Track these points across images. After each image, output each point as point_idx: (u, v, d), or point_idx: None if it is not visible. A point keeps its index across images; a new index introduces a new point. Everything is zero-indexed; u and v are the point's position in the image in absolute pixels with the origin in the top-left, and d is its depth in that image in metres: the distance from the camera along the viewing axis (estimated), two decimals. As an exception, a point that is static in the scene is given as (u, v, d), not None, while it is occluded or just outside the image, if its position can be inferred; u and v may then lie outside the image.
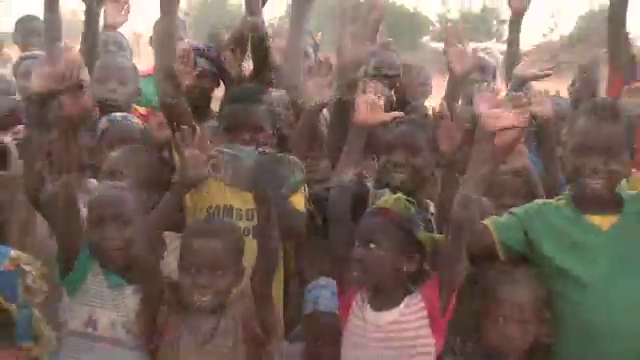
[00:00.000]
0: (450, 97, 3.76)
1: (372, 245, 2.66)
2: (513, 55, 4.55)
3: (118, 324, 2.80)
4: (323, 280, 2.96)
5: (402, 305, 2.70)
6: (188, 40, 4.26)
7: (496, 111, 2.70)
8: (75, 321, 2.81)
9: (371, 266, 2.66)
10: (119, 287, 2.83)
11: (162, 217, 2.75)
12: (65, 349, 2.83)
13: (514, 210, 2.95)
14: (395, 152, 3.15)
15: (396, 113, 3.25)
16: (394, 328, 2.68)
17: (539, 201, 3.03)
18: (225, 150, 3.16)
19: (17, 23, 6.03)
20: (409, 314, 2.69)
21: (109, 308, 2.81)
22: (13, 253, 2.63)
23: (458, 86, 3.75)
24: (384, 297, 2.71)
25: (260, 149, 2.89)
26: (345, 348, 2.76)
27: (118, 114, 3.80)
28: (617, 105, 3.00)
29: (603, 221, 2.86)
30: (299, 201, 3.13)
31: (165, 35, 3.09)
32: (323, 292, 2.90)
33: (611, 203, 2.87)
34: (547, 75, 4.05)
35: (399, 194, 2.88)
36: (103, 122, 3.70)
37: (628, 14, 4.02)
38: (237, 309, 2.77)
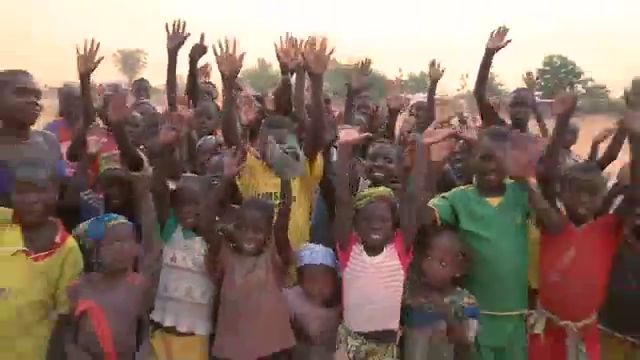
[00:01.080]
0: (390, 121, 3.86)
1: (385, 221, 2.63)
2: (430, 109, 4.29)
3: (187, 259, 2.75)
4: (307, 244, 2.89)
5: (385, 252, 2.63)
6: (249, 91, 4.24)
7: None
8: (166, 257, 2.76)
9: (385, 233, 2.63)
10: (190, 237, 2.77)
11: (215, 197, 2.67)
12: (162, 275, 2.76)
13: (445, 195, 2.91)
14: (377, 159, 3.15)
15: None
16: (382, 265, 2.62)
17: (458, 188, 2.98)
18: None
19: (133, 84, 5.95)
20: (389, 256, 2.63)
21: (182, 249, 2.76)
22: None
23: (395, 115, 3.80)
24: (374, 248, 2.65)
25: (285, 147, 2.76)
26: (349, 281, 2.67)
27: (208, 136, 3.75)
28: (505, 130, 2.95)
29: (494, 200, 2.83)
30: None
31: (228, 108, 3.01)
32: (306, 252, 2.81)
33: (499, 189, 2.84)
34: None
35: (383, 187, 2.85)
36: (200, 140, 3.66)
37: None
38: (268, 252, 2.71)
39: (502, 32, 3.35)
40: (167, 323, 2.70)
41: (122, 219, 2.58)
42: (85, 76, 3.10)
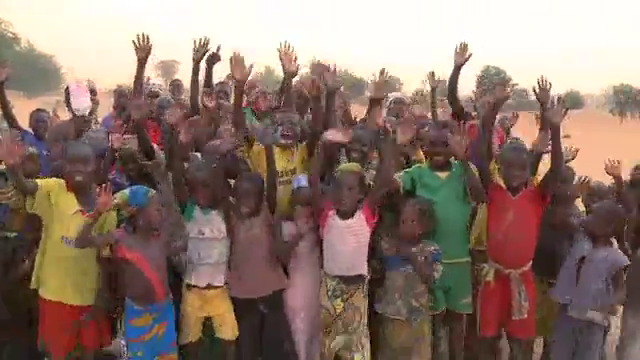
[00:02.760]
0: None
1: (352, 188, 2.50)
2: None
3: (213, 229, 2.58)
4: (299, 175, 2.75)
5: (355, 215, 2.52)
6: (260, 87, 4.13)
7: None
8: (193, 233, 2.57)
9: (353, 198, 2.50)
10: (207, 212, 2.59)
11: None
12: (192, 247, 2.57)
13: (407, 170, 2.82)
14: (354, 143, 2.86)
15: None
16: (352, 227, 2.51)
17: (416, 165, 2.91)
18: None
19: (170, 83, 5.35)
20: (358, 219, 2.52)
21: (206, 223, 2.58)
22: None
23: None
24: (346, 212, 2.53)
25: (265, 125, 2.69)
26: (327, 241, 2.55)
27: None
28: (447, 122, 2.93)
29: (442, 175, 2.78)
30: None
31: (238, 101, 2.80)
32: (301, 179, 2.67)
33: (446, 166, 2.78)
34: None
35: (354, 163, 2.74)
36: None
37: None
38: (263, 213, 2.61)
39: (463, 48, 3.20)
40: (203, 284, 2.55)
41: (153, 191, 2.50)
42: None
